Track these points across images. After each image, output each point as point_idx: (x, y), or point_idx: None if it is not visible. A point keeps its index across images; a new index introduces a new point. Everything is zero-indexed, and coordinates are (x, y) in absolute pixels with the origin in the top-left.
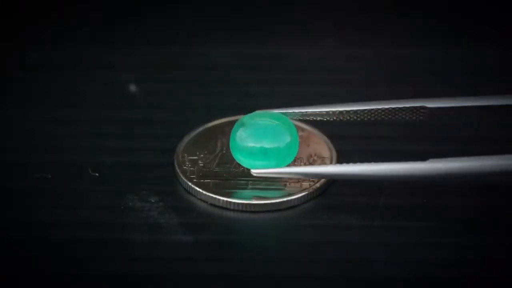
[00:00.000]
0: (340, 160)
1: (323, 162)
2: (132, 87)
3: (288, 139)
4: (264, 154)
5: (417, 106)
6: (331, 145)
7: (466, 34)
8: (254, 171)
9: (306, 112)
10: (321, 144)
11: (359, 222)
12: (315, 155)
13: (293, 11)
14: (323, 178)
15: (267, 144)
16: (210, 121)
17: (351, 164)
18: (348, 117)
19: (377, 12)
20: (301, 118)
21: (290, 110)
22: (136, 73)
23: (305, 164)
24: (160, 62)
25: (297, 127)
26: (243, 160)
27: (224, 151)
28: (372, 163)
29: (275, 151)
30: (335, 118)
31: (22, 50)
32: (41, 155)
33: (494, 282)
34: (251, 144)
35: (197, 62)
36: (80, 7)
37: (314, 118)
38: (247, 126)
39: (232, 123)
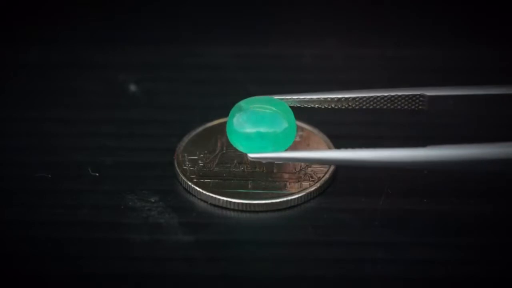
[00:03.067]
0: None
1: None
2: (132, 87)
3: (285, 124)
4: (261, 139)
5: (416, 94)
6: (331, 145)
7: (466, 34)
8: (251, 155)
9: (304, 98)
10: (321, 144)
11: (359, 222)
12: None
13: (293, 11)
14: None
15: (264, 129)
16: (210, 121)
17: (350, 149)
18: (347, 105)
19: (377, 12)
20: (299, 105)
21: (287, 97)
22: (136, 73)
23: (305, 164)
24: (160, 62)
25: (297, 127)
26: (239, 145)
27: (224, 151)
28: (372, 149)
29: (272, 136)
30: (333, 105)
31: (22, 50)
32: (41, 155)
33: (494, 282)
34: (248, 130)
35: (197, 62)
36: (80, 7)
37: (312, 106)
38: (244, 111)
39: None
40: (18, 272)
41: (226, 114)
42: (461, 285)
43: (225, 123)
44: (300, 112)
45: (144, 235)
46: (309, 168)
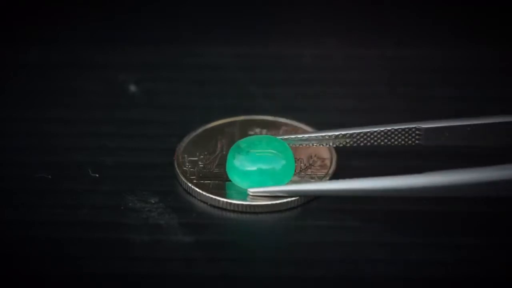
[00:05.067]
0: (340, 161)
1: (323, 163)
2: (132, 87)
3: (283, 161)
4: (260, 177)
5: (411, 128)
6: (331, 148)
7: (466, 34)
8: (250, 191)
9: (302, 137)
10: (321, 147)
11: (359, 222)
12: (315, 156)
13: (293, 11)
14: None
15: (263, 167)
16: (210, 121)
17: (347, 180)
18: (344, 142)
19: (377, 12)
20: (297, 144)
21: (285, 136)
22: (136, 73)
23: (305, 165)
24: (160, 62)
25: (297, 128)
26: (240, 183)
27: (224, 152)
28: (369, 179)
29: (271, 173)
30: (331, 143)
31: (22, 50)
32: (41, 155)
33: (494, 282)
34: (247, 169)
35: (197, 62)
36: (80, 7)
37: (308, 144)
38: (243, 150)
39: (232, 124)
40: (18, 272)
41: (226, 115)
42: (461, 285)
43: (225, 124)
44: (301, 114)
45: (144, 236)
46: (309, 170)
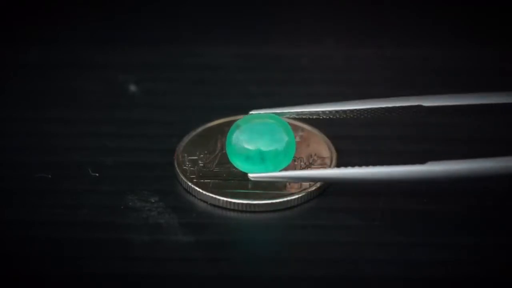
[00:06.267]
0: (340, 160)
1: (323, 162)
2: (132, 87)
3: (285, 140)
4: (261, 157)
5: (414, 105)
6: (331, 145)
7: (466, 34)
8: (251, 175)
9: (302, 111)
10: (321, 144)
11: (359, 222)
12: (315, 155)
13: (293, 11)
14: (320, 181)
15: (263, 147)
16: (210, 121)
17: (349, 167)
18: (344, 116)
19: (377, 12)
20: (297, 117)
21: (286, 110)
22: (136, 73)
23: (305, 164)
24: (160, 62)
25: (297, 127)
26: (240, 164)
27: (224, 151)
28: (370, 167)
29: (272, 154)
30: (331, 117)
31: (22, 50)
32: (41, 155)
33: (494, 282)
34: (247, 147)
35: (197, 62)
36: (80, 7)
37: (310, 117)
38: (243, 129)
39: (232, 123)
40: (18, 272)
41: (226, 115)
42: (461, 285)
43: (225, 123)
44: None
45: (144, 236)
46: (308, 168)
